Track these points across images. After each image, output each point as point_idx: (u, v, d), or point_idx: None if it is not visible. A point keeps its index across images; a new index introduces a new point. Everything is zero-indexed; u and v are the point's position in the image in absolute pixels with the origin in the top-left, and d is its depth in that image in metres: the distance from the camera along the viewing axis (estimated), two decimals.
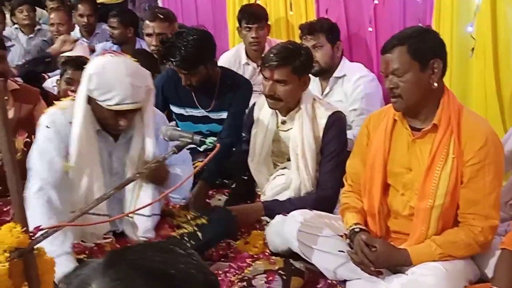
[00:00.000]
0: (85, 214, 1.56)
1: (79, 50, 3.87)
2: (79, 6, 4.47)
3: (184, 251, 0.70)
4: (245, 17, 3.50)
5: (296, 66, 2.34)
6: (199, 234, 2.17)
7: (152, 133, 2.07)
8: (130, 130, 2.09)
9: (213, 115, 2.93)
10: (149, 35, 3.50)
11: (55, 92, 3.14)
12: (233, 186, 2.72)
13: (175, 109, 2.99)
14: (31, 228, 1.40)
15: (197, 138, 1.79)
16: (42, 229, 1.43)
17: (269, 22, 3.61)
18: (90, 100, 2.00)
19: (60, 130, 2.02)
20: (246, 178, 2.62)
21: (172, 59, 2.66)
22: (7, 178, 1.34)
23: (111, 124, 2.04)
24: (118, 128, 2.05)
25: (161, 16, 3.43)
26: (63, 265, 1.69)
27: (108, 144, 2.12)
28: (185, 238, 2.15)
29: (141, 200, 2.10)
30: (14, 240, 1.41)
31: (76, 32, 4.55)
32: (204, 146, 1.92)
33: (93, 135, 2.04)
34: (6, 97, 2.58)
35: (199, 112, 2.93)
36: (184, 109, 2.95)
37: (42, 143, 2.01)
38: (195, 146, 2.14)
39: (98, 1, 4.73)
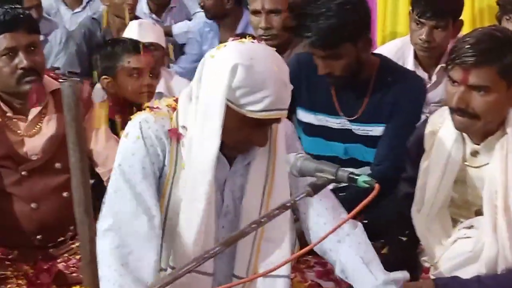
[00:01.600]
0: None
1: (149, 31, 2.89)
2: None
3: None
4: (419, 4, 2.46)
5: (505, 65, 1.62)
6: None
7: (283, 155, 1.51)
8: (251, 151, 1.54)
9: (359, 129, 2.12)
10: (255, 12, 2.56)
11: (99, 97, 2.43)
12: (385, 250, 1.99)
13: (302, 115, 2.20)
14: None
15: (344, 174, 1.23)
16: None
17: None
18: None
19: (154, 145, 1.46)
20: (405, 239, 1.90)
21: (306, 33, 1.95)
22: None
23: (242, 140, 1.47)
24: (248, 148, 1.51)
25: None
26: None
27: (222, 171, 1.51)
28: None
29: (264, 255, 1.54)
30: None
31: (142, 7, 3.65)
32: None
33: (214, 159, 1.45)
34: (43, 103, 1.91)
35: (339, 123, 2.13)
36: (315, 115, 2.16)
37: (124, 160, 1.47)
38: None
39: None
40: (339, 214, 1.60)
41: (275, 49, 1.50)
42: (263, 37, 2.48)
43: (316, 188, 1.20)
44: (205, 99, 1.41)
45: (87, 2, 3.79)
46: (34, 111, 1.89)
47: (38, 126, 1.90)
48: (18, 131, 1.88)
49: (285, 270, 1.53)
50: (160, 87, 2.71)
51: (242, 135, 1.44)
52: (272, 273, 1.40)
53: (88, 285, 1.40)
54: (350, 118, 2.09)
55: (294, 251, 1.64)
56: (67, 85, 1.27)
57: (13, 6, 2.01)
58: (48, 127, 1.90)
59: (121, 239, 1.39)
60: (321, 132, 2.15)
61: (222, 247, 1.13)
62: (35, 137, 1.89)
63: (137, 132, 1.44)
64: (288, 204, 1.20)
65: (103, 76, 2.39)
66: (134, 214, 1.41)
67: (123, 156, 1.45)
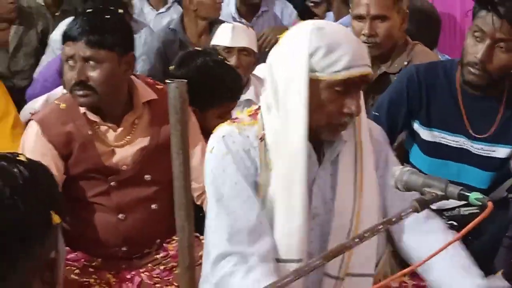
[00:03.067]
0: None
1: (242, 35, 2.66)
2: None
3: None
4: None
5: None
6: None
7: (369, 155, 1.47)
8: (337, 146, 1.46)
9: (482, 148, 1.90)
10: (359, 17, 2.28)
11: None
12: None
13: (420, 130, 1.98)
14: None
15: (455, 190, 1.12)
16: None
17: None
18: None
19: (243, 157, 1.41)
20: None
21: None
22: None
23: (334, 114, 1.38)
24: (342, 120, 1.39)
25: None
26: None
27: (311, 169, 1.42)
28: None
29: (356, 255, 1.44)
30: None
31: (230, 10, 3.42)
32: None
33: (305, 152, 1.38)
34: (137, 115, 1.84)
35: (457, 141, 1.91)
36: (431, 131, 1.94)
37: (216, 179, 1.43)
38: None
39: None
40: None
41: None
42: (366, 44, 2.16)
43: (423, 204, 1.11)
44: (284, 81, 1.36)
45: (173, 2, 3.61)
46: (127, 120, 1.81)
47: (129, 137, 1.82)
48: (108, 141, 1.81)
49: (373, 269, 1.49)
50: (249, 94, 2.57)
51: (332, 107, 1.36)
52: (363, 271, 1.47)
53: None
54: (479, 137, 1.89)
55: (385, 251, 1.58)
56: (174, 87, 1.23)
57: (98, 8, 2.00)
58: (140, 138, 1.82)
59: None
60: (438, 151, 1.95)
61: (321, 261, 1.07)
62: (126, 147, 1.82)
63: (223, 148, 1.40)
64: (394, 220, 1.13)
65: None
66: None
67: (214, 175, 1.40)
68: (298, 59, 1.34)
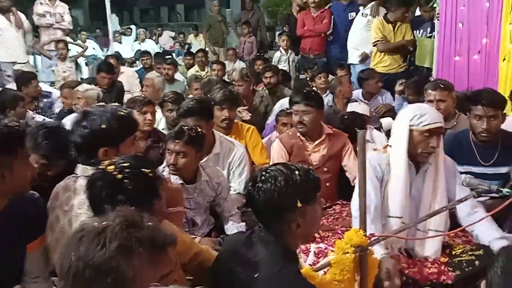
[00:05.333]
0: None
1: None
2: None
3: None
4: None
5: None
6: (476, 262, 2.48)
7: (442, 168, 2.59)
8: (427, 164, 2.59)
9: (491, 171, 3.13)
10: (430, 101, 3.80)
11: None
12: None
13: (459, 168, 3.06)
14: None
15: (494, 187, 2.21)
16: (374, 236, 1.99)
17: None
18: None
19: (376, 167, 2.60)
20: None
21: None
22: None
23: (423, 147, 2.52)
24: (429, 150, 2.53)
25: (442, 86, 3.80)
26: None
27: (411, 174, 2.60)
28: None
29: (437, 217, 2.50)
30: (360, 240, 1.92)
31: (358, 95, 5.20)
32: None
33: (406, 165, 2.57)
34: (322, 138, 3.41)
35: (478, 169, 3.14)
36: (462, 167, 3.10)
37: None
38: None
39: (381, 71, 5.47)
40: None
41: None
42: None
43: (478, 193, 2.23)
44: (395, 134, 2.57)
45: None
46: (317, 141, 3.44)
47: (317, 148, 3.40)
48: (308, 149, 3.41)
49: (443, 228, 2.56)
50: (367, 136, 3.90)
51: (423, 144, 2.51)
52: (438, 228, 2.52)
53: None
54: (486, 164, 3.14)
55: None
56: (361, 133, 1.96)
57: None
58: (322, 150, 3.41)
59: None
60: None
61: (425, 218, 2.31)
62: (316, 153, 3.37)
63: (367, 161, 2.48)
64: (463, 199, 2.25)
65: None
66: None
67: None
68: (405, 122, 2.55)
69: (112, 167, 1.69)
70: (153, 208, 1.67)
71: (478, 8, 4.53)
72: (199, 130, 2.95)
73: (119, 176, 1.66)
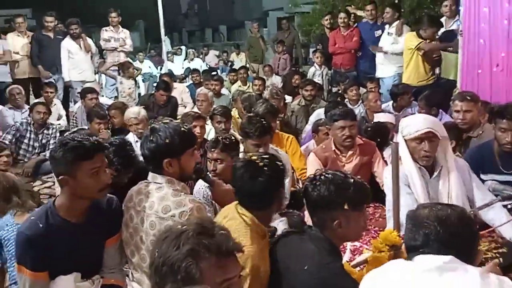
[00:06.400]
0: None
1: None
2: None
3: None
4: None
5: None
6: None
7: (454, 173, 2.55)
8: (438, 166, 2.59)
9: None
10: (457, 111, 3.74)
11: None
12: None
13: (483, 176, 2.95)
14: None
15: None
16: None
17: None
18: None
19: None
20: None
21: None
22: None
23: (419, 152, 2.52)
24: (424, 155, 2.52)
25: (468, 98, 3.72)
26: None
27: (425, 177, 2.62)
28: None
29: None
30: (394, 240, 1.95)
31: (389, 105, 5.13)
32: None
33: (416, 170, 2.60)
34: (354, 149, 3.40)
35: (500, 177, 2.93)
36: (486, 175, 2.96)
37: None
38: None
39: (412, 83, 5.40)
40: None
41: None
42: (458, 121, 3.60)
43: (504, 198, 2.28)
44: (400, 146, 2.50)
45: None
46: (350, 152, 3.41)
47: (350, 159, 3.40)
48: (342, 160, 3.41)
49: None
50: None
51: (419, 149, 2.52)
52: None
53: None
54: (507, 172, 2.90)
55: None
56: (395, 145, 2.22)
57: None
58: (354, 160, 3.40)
59: None
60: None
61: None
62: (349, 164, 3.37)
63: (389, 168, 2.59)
64: (489, 204, 2.30)
65: None
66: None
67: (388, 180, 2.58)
68: (400, 136, 2.58)
69: (255, 157, 2.04)
70: (278, 196, 2.02)
71: (498, 26, 4.44)
72: (232, 137, 3.02)
73: (261, 163, 1.99)
